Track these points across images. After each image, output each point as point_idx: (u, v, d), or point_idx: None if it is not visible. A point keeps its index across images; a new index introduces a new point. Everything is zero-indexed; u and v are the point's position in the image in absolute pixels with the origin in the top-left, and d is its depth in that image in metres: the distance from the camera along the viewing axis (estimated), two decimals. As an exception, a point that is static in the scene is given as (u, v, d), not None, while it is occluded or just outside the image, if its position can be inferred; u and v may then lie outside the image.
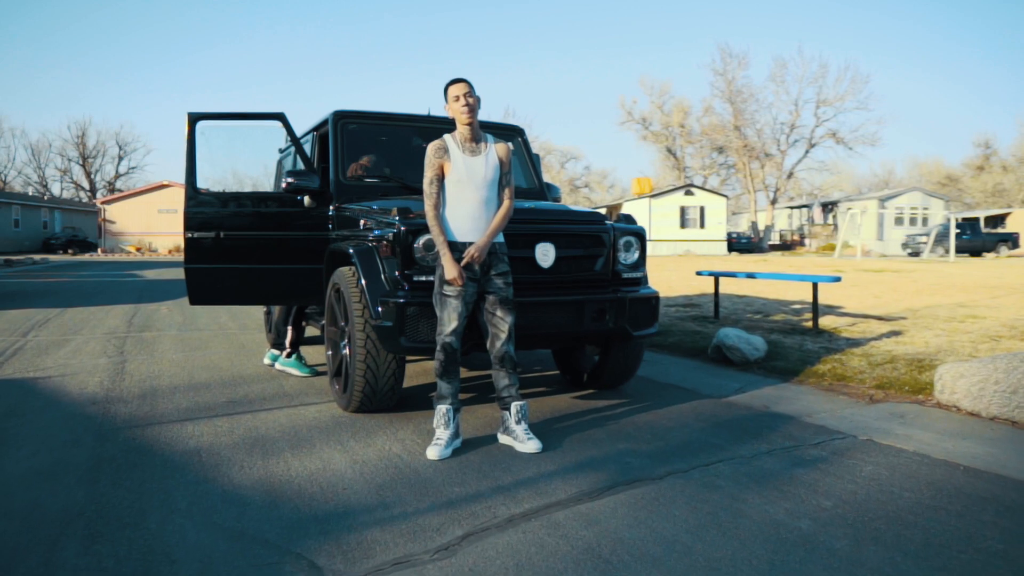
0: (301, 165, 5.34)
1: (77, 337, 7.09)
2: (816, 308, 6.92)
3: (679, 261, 25.73)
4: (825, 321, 7.48)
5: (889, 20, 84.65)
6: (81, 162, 60.33)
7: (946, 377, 4.24)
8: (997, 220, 43.25)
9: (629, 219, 4.25)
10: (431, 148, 3.35)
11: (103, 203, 45.74)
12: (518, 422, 3.31)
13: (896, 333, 6.66)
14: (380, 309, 3.54)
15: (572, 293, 3.81)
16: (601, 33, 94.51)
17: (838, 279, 6.96)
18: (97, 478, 2.94)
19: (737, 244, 39.87)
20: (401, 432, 3.59)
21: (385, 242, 3.64)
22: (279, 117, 4.69)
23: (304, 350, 6.03)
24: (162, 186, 45.20)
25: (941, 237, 29.79)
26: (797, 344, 6.09)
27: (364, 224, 4.00)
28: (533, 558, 2.21)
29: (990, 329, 6.84)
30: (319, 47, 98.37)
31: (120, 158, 61.95)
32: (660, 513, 2.55)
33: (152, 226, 43.84)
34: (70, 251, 39.98)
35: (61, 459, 3.19)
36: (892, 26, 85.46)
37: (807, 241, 42.62)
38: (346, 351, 3.94)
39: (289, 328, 5.21)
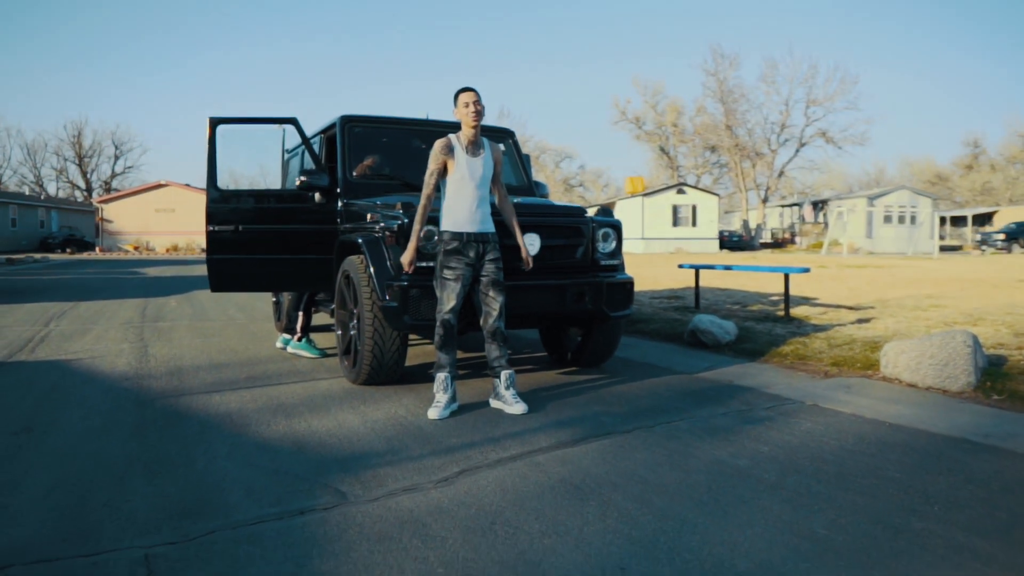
0: (307, 165, 5.83)
1: (96, 327, 7.56)
2: (787, 297, 7.43)
3: (669, 258, 26.29)
4: (798, 311, 7.99)
5: (883, 22, 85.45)
6: (77, 162, 60.56)
7: (890, 353, 4.76)
8: (985, 218, 43.99)
9: (607, 212, 4.75)
10: (439, 145, 3.83)
11: (100, 202, 46.03)
12: (507, 388, 3.82)
13: (861, 320, 7.18)
14: (387, 292, 4.03)
15: (555, 278, 4.31)
16: (595, 34, 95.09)
17: (807, 270, 7.47)
18: (145, 434, 3.43)
19: (729, 242, 40.44)
20: (405, 399, 4.09)
21: (391, 233, 4.13)
22: (292, 121, 5.17)
23: (312, 336, 6.50)
24: (159, 185, 45.50)
25: (1015, 235, 31.28)
26: (767, 329, 6.60)
27: (371, 217, 4.49)
28: (517, 485, 2.71)
29: (948, 317, 7.36)
30: (316, 48, 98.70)
31: (116, 158, 62.22)
32: (624, 455, 3.06)
33: (149, 225, 44.15)
34: (68, 250, 40.30)
35: (110, 421, 3.68)
36: (887, 28, 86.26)
37: (798, 239, 43.23)
38: (354, 331, 4.43)
39: (300, 314, 5.70)
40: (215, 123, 5.10)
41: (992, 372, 4.52)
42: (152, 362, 5.40)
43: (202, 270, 19.81)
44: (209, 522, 2.37)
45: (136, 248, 42.58)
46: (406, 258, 3.84)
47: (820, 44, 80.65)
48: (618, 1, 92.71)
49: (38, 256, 33.02)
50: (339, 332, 4.77)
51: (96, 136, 74.40)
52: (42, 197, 53.34)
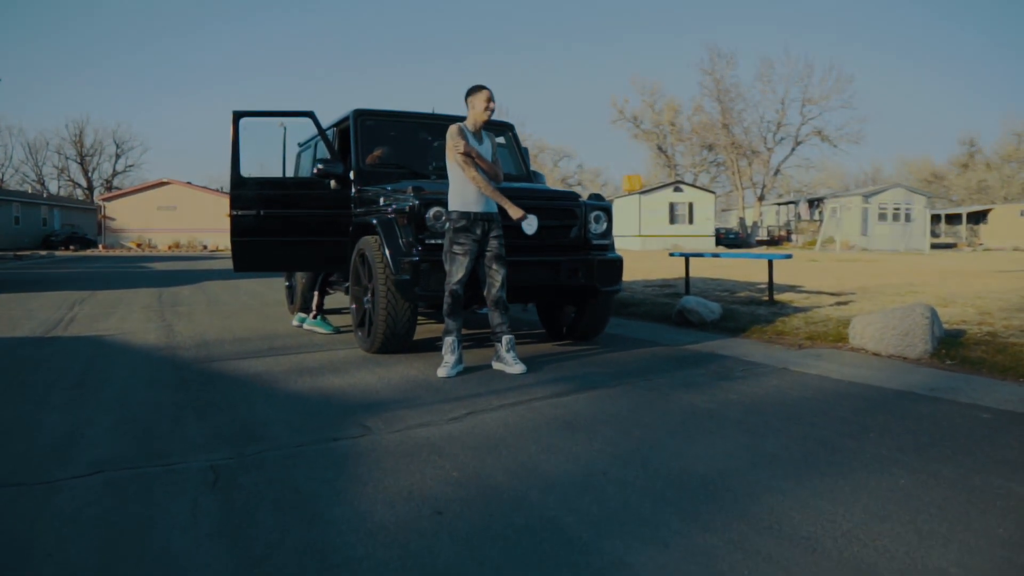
0: (320, 157, 6.26)
1: (118, 310, 8.00)
2: (771, 281, 7.89)
3: (665, 254, 26.74)
4: (783, 296, 8.44)
5: (882, 22, 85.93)
6: (79, 160, 60.93)
7: (857, 326, 5.21)
8: (979, 216, 44.44)
9: (599, 197, 5.20)
10: (456, 129, 4.23)
11: (103, 200, 46.43)
12: (508, 351, 4.26)
13: (841, 304, 7.63)
14: (400, 267, 4.47)
15: (551, 255, 4.76)
16: (593, 33, 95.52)
17: (789, 256, 7.94)
18: (188, 387, 3.88)
19: (725, 239, 40.88)
20: (416, 364, 4.54)
21: (402, 214, 4.57)
22: (309, 114, 5.61)
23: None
24: (161, 183, 45.90)
25: None
26: (751, 311, 7.04)
27: (384, 201, 4.93)
28: (517, 422, 3.15)
29: (923, 301, 7.80)
30: (317, 46, 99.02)
31: (117, 156, 62.59)
32: (610, 402, 3.51)
33: (152, 223, 44.53)
34: (71, 248, 40.67)
35: (154, 378, 4.12)
36: (884, 28, 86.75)
37: (794, 237, 43.69)
38: (369, 305, 4.87)
39: (315, 293, 6.15)
40: (238, 116, 5.54)
41: (949, 341, 4.97)
42: (179, 337, 5.84)
43: (208, 265, 20.27)
44: (258, 445, 2.81)
45: (139, 245, 42.98)
46: (521, 212, 4.25)
47: (816, 44, 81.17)
48: (617, 1, 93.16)
49: (43, 253, 33.41)
50: (354, 306, 5.21)
51: (97, 135, 74.77)
52: (44, 196, 53.68)
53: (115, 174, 62.66)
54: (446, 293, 4.26)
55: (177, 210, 44.73)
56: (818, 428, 3.01)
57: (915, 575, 1.72)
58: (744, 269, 13.83)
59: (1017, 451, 2.69)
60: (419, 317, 6.20)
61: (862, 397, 3.61)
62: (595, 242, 4.98)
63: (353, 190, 5.53)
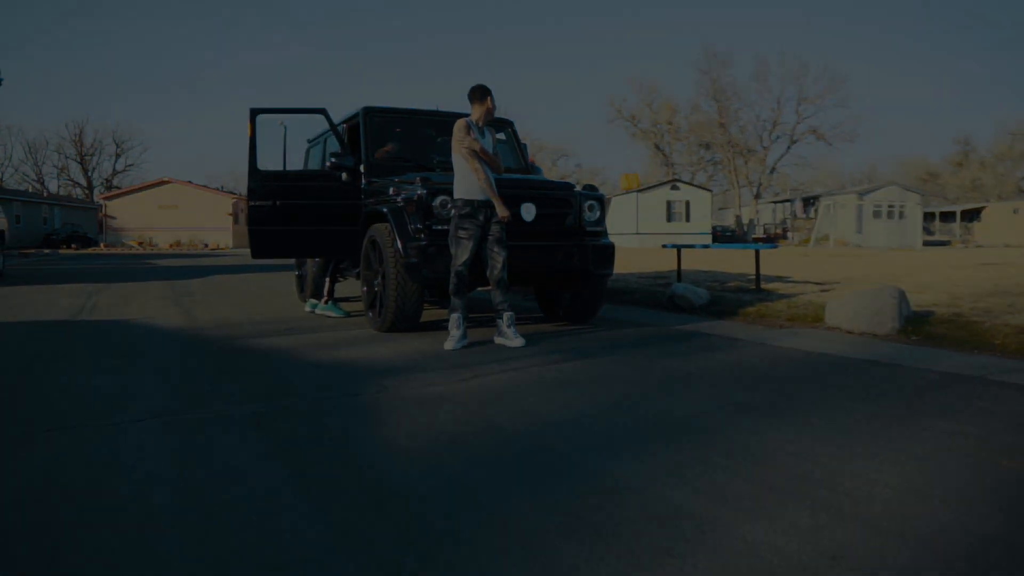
0: (328, 153, 6.65)
1: (135, 300, 8.38)
2: (758, 270, 8.29)
3: (660, 249, 27.15)
4: (770, 285, 8.84)
5: (879, 21, 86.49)
6: (79, 159, 61.24)
7: (832, 307, 5.61)
8: (973, 214, 44.94)
9: (592, 188, 5.60)
10: (464, 124, 4.62)
11: (104, 199, 46.77)
12: (509, 326, 4.66)
13: (824, 291, 8.03)
14: (409, 251, 4.87)
15: (548, 240, 5.16)
16: (592, 33, 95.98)
17: (775, 246, 8.35)
18: (217, 359, 4.27)
19: (722, 237, 41.32)
20: (424, 340, 4.93)
21: (411, 202, 4.97)
22: (322, 111, 6.00)
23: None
24: (162, 182, 46.25)
25: None
26: (737, 297, 7.44)
27: (393, 191, 5.32)
28: (518, 381, 3.55)
29: (902, 287, 8.21)
30: (318, 44, 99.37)
31: (117, 156, 62.92)
32: (600, 367, 3.91)
33: (153, 222, 44.87)
34: (72, 246, 40.98)
35: (185, 352, 4.52)
36: (882, 26, 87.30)
37: (789, 234, 44.15)
38: (379, 287, 5.26)
39: (327, 280, 6.54)
40: (255, 113, 5.93)
41: (916, 320, 5.37)
42: (200, 321, 6.23)
43: (212, 261, 20.65)
44: (289, 400, 3.20)
45: (140, 244, 43.32)
46: (503, 213, 4.59)
47: (811, 43, 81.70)
48: (615, 1, 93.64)
49: (47, 251, 33.76)
50: (364, 289, 5.60)
51: (97, 134, 75.21)
52: (44, 195, 53.97)
53: (115, 173, 63.01)
54: (452, 274, 4.66)
55: (178, 209, 45.08)
56: (783, 385, 3.41)
57: (840, 477, 2.12)
58: (736, 263, 14.24)
59: (951, 400, 3.09)
60: (424, 303, 6.60)
61: (828, 364, 4.01)
62: (589, 229, 5.37)
63: (363, 181, 5.92)
